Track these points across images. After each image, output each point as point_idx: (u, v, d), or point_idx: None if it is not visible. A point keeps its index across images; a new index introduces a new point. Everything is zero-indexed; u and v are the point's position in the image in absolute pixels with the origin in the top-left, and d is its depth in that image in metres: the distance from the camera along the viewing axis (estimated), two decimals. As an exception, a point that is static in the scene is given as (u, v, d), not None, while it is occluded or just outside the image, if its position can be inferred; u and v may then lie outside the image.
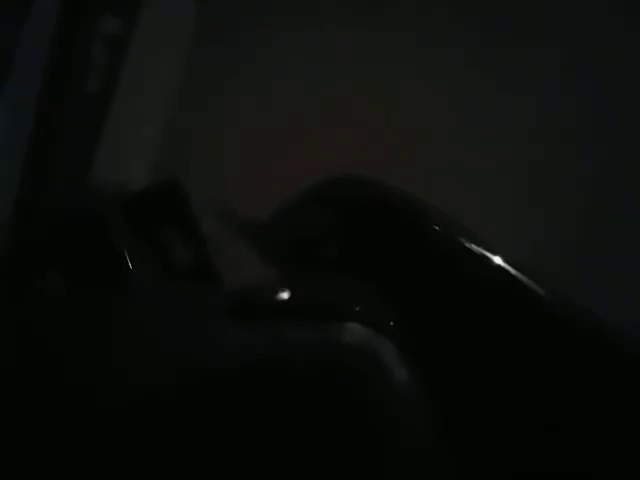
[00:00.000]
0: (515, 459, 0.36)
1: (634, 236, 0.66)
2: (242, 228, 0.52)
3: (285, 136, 0.66)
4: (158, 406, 0.32)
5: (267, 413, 0.32)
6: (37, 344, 0.36)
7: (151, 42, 0.57)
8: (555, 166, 0.68)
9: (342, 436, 0.32)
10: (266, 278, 0.46)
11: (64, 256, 0.54)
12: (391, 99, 0.68)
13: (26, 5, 0.50)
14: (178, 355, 0.34)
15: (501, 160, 0.68)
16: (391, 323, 0.37)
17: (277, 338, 0.34)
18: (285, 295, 0.36)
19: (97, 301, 0.41)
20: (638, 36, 0.68)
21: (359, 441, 0.32)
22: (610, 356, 0.37)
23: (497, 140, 0.69)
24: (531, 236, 0.65)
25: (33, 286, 0.54)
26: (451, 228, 0.41)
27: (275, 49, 0.68)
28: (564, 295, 0.39)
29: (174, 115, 0.63)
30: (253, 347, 0.34)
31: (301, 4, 0.68)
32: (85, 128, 0.55)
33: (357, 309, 0.37)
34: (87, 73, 0.54)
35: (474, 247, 0.40)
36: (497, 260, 0.39)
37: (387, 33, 0.69)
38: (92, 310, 0.39)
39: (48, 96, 0.52)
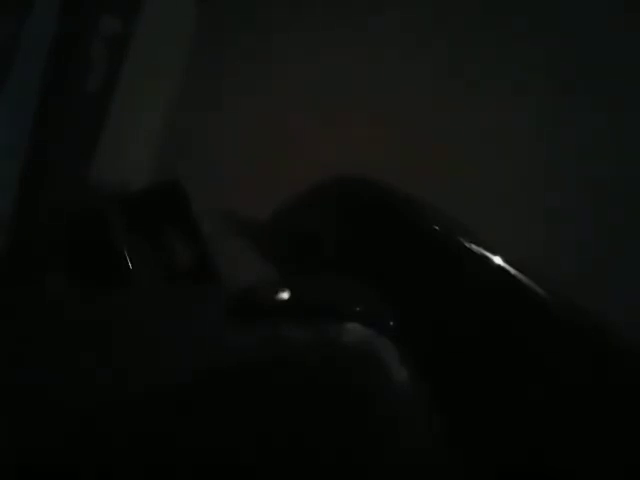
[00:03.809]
0: (515, 459, 0.36)
1: (634, 236, 0.66)
2: (242, 228, 0.52)
3: (285, 136, 0.66)
4: (158, 406, 0.32)
5: (267, 412, 0.32)
6: (37, 344, 0.36)
7: (151, 42, 0.57)
8: (555, 166, 0.68)
9: (342, 436, 0.32)
10: (266, 278, 0.46)
11: (64, 256, 0.54)
12: (391, 99, 0.68)
13: (26, 5, 0.50)
14: (178, 355, 0.34)
15: (501, 160, 0.68)
16: (391, 323, 0.37)
17: (277, 338, 0.34)
18: (285, 295, 0.36)
19: (97, 301, 0.41)
20: (638, 36, 0.68)
21: (359, 441, 0.32)
22: (610, 356, 0.37)
23: (497, 140, 0.69)
24: (531, 236, 0.65)
25: (33, 286, 0.54)
26: (451, 228, 0.41)
27: (275, 49, 0.68)
28: (564, 295, 0.39)
29: (174, 115, 0.63)
30: (253, 347, 0.34)
31: (301, 4, 0.68)
32: (85, 128, 0.55)
33: (357, 309, 0.37)
34: (87, 73, 0.54)
35: (474, 247, 0.40)
36: (497, 260, 0.39)
37: (387, 33, 0.69)
38: (92, 310, 0.39)
39: (48, 96, 0.52)
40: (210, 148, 0.66)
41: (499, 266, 0.39)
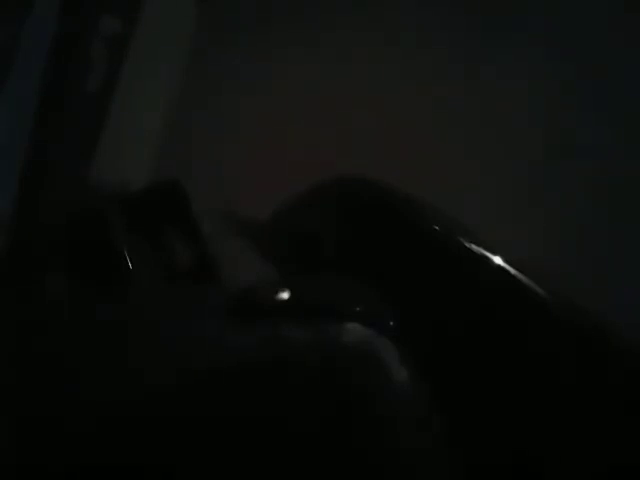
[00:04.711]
0: (515, 459, 0.36)
1: (634, 236, 0.66)
2: (242, 228, 0.52)
3: (285, 136, 0.66)
4: (158, 406, 0.32)
5: (267, 413, 0.32)
6: (37, 344, 0.36)
7: (151, 42, 0.57)
8: (555, 166, 0.68)
9: (342, 436, 0.32)
10: (266, 278, 0.46)
11: (64, 256, 0.54)
12: (391, 99, 0.68)
13: (26, 5, 0.50)
14: (178, 355, 0.34)
15: (501, 160, 0.68)
16: (391, 323, 0.37)
17: (277, 338, 0.34)
18: (285, 295, 0.36)
19: (97, 301, 0.41)
20: (638, 36, 0.68)
21: (359, 441, 0.32)
22: (610, 356, 0.37)
23: (497, 140, 0.69)
24: (531, 236, 0.65)
25: (33, 286, 0.54)
26: (451, 228, 0.41)
27: (275, 49, 0.68)
28: (564, 295, 0.39)
29: (174, 115, 0.63)
30: (253, 347, 0.34)
31: (301, 4, 0.68)
32: (85, 128, 0.55)
33: (357, 309, 0.37)
34: (87, 73, 0.54)
35: (474, 247, 0.40)
36: (497, 260, 0.39)
37: (387, 33, 0.69)
38: (92, 310, 0.39)
39: (48, 96, 0.52)
40: (210, 148, 0.66)
41: (499, 266, 0.39)
